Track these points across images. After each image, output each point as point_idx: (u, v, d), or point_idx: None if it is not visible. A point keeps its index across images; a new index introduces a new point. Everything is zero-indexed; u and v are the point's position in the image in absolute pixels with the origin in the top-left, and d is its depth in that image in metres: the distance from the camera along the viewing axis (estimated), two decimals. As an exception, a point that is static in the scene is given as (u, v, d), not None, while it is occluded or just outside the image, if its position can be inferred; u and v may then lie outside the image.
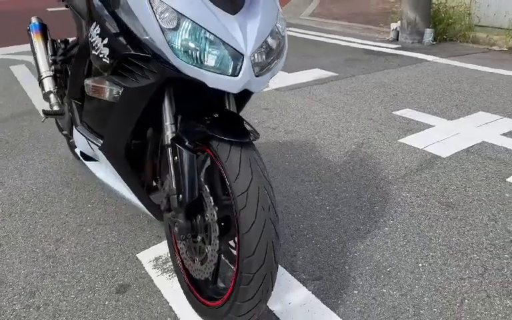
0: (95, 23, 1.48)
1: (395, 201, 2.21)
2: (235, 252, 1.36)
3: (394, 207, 2.15)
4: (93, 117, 1.70)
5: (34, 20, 2.48)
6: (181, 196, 1.40)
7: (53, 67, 2.34)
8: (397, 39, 6.26)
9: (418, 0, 5.93)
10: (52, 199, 2.36)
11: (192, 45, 1.25)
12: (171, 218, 1.51)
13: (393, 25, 6.45)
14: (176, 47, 1.24)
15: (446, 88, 3.95)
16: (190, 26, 1.24)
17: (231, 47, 1.26)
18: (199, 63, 1.26)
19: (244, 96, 1.56)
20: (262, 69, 1.34)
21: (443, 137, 2.88)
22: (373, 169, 2.52)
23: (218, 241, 1.39)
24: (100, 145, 1.69)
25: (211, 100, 1.57)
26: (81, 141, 1.85)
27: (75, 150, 2.00)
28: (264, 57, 1.34)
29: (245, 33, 1.29)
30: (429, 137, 2.90)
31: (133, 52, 1.33)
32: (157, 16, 1.24)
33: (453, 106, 3.47)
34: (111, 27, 1.40)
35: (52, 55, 2.37)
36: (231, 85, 1.29)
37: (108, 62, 1.40)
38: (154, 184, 1.78)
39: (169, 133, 1.44)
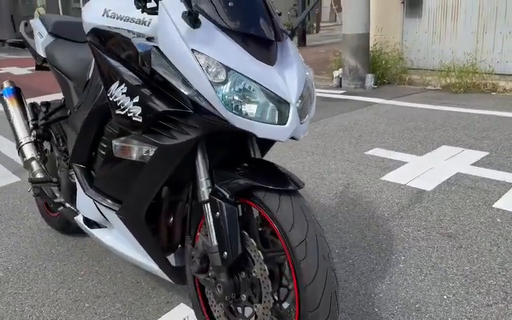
0: (117, 82, 1.40)
1: (398, 237, 2.25)
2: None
3: (400, 243, 2.18)
4: (111, 181, 1.59)
5: (6, 84, 2.30)
6: (225, 253, 1.32)
7: (34, 132, 2.17)
8: (340, 85, 6.60)
9: (357, 48, 6.33)
10: (34, 275, 2.12)
11: (241, 96, 1.23)
12: (208, 279, 1.41)
13: (336, 73, 6.81)
14: (226, 100, 1.21)
15: (403, 126, 4.18)
16: (238, 78, 1.22)
17: (278, 96, 1.26)
18: (249, 114, 1.23)
19: (266, 143, 1.54)
20: (303, 115, 1.34)
21: (420, 171, 3.02)
22: (367, 208, 2.56)
23: (271, 298, 1.31)
24: (117, 209, 1.57)
25: (234, 148, 1.54)
26: (88, 207, 1.70)
27: (76, 218, 1.83)
28: (303, 103, 1.34)
29: (287, 82, 1.29)
30: (407, 173, 3.02)
31: (171, 108, 1.27)
32: (205, 70, 1.21)
33: (416, 142, 3.67)
34: (143, 85, 1.34)
35: (33, 119, 2.19)
36: (279, 133, 1.27)
37: (140, 121, 1.32)
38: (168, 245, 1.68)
39: (204, 189, 1.37)
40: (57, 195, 2.11)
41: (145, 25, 1.47)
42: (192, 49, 1.22)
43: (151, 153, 1.38)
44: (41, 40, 2.13)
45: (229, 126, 1.24)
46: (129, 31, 1.47)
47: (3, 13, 20.84)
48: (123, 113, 1.37)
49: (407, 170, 3.08)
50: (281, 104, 1.26)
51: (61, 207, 2.05)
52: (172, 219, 1.65)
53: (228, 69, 1.22)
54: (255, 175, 1.33)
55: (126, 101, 1.36)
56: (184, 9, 1.25)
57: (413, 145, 3.62)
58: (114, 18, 1.53)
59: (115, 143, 1.42)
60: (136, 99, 1.34)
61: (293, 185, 1.30)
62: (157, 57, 1.30)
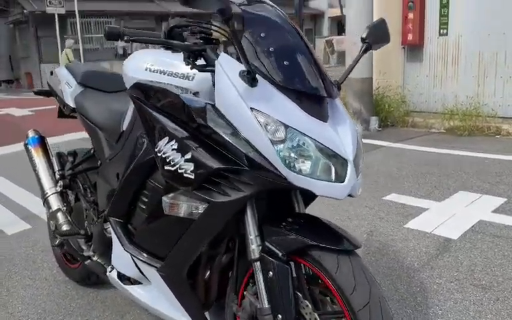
0: (166, 138, 1.38)
1: (432, 289, 2.19)
2: None
3: (435, 296, 2.13)
4: (153, 237, 1.54)
5: (31, 133, 2.27)
6: (279, 316, 1.28)
7: (60, 183, 2.12)
8: (345, 128, 6.63)
9: (361, 91, 6.42)
10: (55, 332, 2.03)
11: (300, 154, 1.21)
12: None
13: (339, 115, 6.86)
14: (285, 158, 1.20)
15: (415, 171, 4.18)
16: (297, 136, 1.22)
17: (336, 153, 1.24)
18: (307, 172, 1.21)
19: (309, 196, 1.52)
20: (358, 171, 1.32)
21: (442, 219, 2.99)
22: (395, 257, 2.52)
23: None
24: (158, 266, 1.51)
25: (279, 202, 1.51)
26: (125, 263, 1.64)
27: (109, 273, 1.76)
28: (357, 158, 1.32)
29: (342, 139, 1.28)
30: (430, 220, 2.99)
31: (226, 165, 1.25)
32: (264, 128, 1.19)
33: (433, 188, 3.66)
34: (195, 141, 1.32)
35: (60, 170, 2.15)
36: (338, 191, 1.25)
37: (192, 177, 1.29)
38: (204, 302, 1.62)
39: (254, 246, 1.33)
40: (84, 247, 2.04)
41: (189, 79, 1.47)
42: (251, 108, 1.21)
43: (201, 210, 1.35)
44: (70, 90, 2.12)
45: (286, 184, 1.22)
46: (172, 86, 1.47)
47: (1, 53, 21.06)
48: (173, 169, 1.34)
49: (429, 217, 3.05)
50: (339, 161, 1.25)
51: (88, 261, 1.98)
52: (209, 273, 1.60)
53: (286, 126, 1.21)
54: (308, 232, 1.30)
55: (177, 157, 1.34)
56: (240, 67, 1.25)
57: (430, 190, 3.60)
58: (157, 73, 1.52)
59: (164, 199, 1.38)
60: (188, 156, 1.31)
61: (350, 244, 1.27)
62: (213, 114, 1.29)
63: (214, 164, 1.26)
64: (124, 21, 20.14)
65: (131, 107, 1.77)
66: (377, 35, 1.57)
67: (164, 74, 1.51)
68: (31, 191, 3.85)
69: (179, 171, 1.33)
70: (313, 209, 1.50)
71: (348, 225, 2.96)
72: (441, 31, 6.57)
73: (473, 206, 3.21)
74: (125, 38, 1.30)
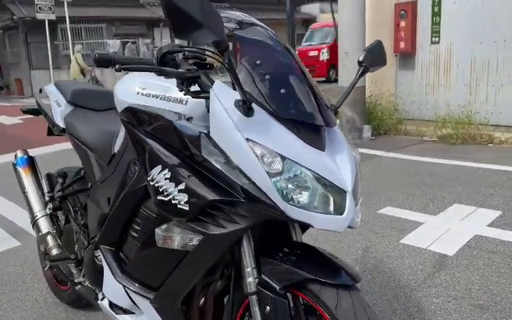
0: (159, 166, 1.34)
1: (429, 309, 2.16)
2: None
3: (433, 317, 2.10)
4: (146, 267, 1.49)
5: (20, 154, 2.20)
6: (277, 352, 1.23)
7: (50, 205, 2.06)
8: (338, 136, 6.62)
9: (354, 100, 6.40)
10: (46, 358, 1.97)
11: (298, 186, 1.18)
12: None
13: (332, 123, 6.85)
14: (282, 190, 1.16)
15: (409, 182, 4.16)
16: (294, 168, 1.18)
17: (335, 184, 1.21)
18: (305, 204, 1.18)
19: (305, 226, 1.48)
20: (357, 201, 1.29)
21: (438, 233, 2.97)
22: (391, 275, 2.48)
23: None
24: (152, 297, 1.47)
25: (275, 231, 1.47)
26: (117, 293, 1.59)
27: (100, 302, 1.71)
28: (355, 187, 1.29)
29: (340, 169, 1.25)
30: (425, 235, 2.96)
31: (221, 197, 1.21)
32: (261, 160, 1.16)
33: (427, 200, 3.64)
34: (189, 171, 1.28)
35: (49, 191, 2.09)
36: (338, 224, 1.21)
37: (186, 209, 1.25)
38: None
39: (251, 280, 1.29)
40: (74, 271, 1.99)
41: (182, 104, 1.43)
42: (247, 139, 1.17)
43: (195, 242, 1.31)
44: (59, 109, 2.06)
45: (283, 217, 1.18)
46: (165, 110, 1.43)
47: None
48: (166, 199, 1.30)
49: (424, 232, 3.03)
50: (337, 192, 1.21)
51: (79, 286, 1.93)
52: (204, 300, 1.56)
53: (283, 158, 1.18)
54: (306, 264, 1.26)
55: (170, 187, 1.30)
56: (235, 96, 1.21)
57: (425, 203, 3.59)
58: (149, 97, 1.48)
59: (158, 231, 1.34)
60: (182, 186, 1.27)
61: (350, 278, 1.24)
62: (207, 143, 1.25)
63: (209, 195, 1.23)
64: (115, 26, 20.06)
65: (122, 128, 1.72)
66: (373, 58, 1.55)
67: (156, 98, 1.47)
68: (20, 204, 3.76)
69: (173, 201, 1.29)
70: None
71: (343, 240, 2.93)
72: (433, 38, 6.59)
73: (468, 220, 3.19)
74: (116, 66, 1.25)
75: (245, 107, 1.17)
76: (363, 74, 1.54)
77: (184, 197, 1.26)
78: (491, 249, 2.73)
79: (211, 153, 1.24)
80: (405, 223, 3.17)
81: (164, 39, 19.93)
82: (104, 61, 1.29)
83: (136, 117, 1.49)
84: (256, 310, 1.28)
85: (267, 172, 1.16)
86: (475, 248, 2.75)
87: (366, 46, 1.58)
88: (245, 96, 1.16)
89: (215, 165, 1.23)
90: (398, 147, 5.71)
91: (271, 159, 1.17)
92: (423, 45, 6.70)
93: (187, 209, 1.25)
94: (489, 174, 4.28)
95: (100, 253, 1.66)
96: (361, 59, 1.54)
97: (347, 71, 6.40)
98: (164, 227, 1.34)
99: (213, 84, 1.28)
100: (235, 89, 1.24)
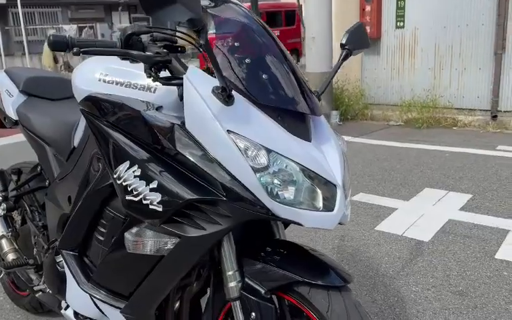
0: (127, 163, 1.20)
1: (409, 298, 2.12)
2: None
3: (413, 306, 2.06)
4: (115, 274, 1.35)
5: None
6: (265, 361, 1.13)
7: (4, 205, 1.87)
8: (305, 122, 6.57)
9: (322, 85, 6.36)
10: None
11: (285, 182, 1.07)
12: None
13: (300, 109, 6.79)
14: (268, 187, 1.05)
15: (380, 167, 4.15)
16: (281, 162, 1.07)
17: (325, 179, 1.10)
18: (293, 201, 1.07)
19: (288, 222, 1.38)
20: (347, 195, 1.19)
21: (412, 219, 2.94)
22: (369, 264, 2.43)
23: None
24: (122, 307, 1.33)
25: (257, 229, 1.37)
26: (82, 303, 1.44)
27: (64, 312, 1.55)
28: (345, 181, 1.19)
29: (329, 161, 1.15)
30: (400, 221, 2.93)
31: (199, 196, 1.08)
32: (244, 154, 1.04)
33: (399, 185, 3.63)
34: (162, 167, 1.14)
35: (2, 191, 1.89)
36: (328, 221, 1.11)
37: (160, 210, 1.12)
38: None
39: (233, 284, 1.18)
40: (33, 277, 1.81)
41: (150, 91, 1.29)
42: (228, 130, 1.05)
43: (170, 245, 1.18)
44: (11, 99, 1.86)
45: (270, 215, 1.07)
46: (131, 99, 1.28)
47: None
48: (136, 199, 1.16)
49: (398, 218, 3.00)
50: (327, 187, 1.11)
51: (40, 293, 1.75)
52: (179, 304, 1.44)
53: (269, 151, 1.06)
54: (293, 265, 1.16)
55: (140, 186, 1.16)
56: (212, 82, 1.08)
57: (396, 188, 3.57)
58: (113, 84, 1.33)
59: (127, 236, 1.20)
60: (153, 184, 1.14)
61: (340, 279, 1.15)
62: (182, 136, 1.12)
63: (185, 194, 1.10)
64: (70, 11, 19.23)
65: (82, 120, 1.56)
66: (356, 40, 1.46)
67: (121, 85, 1.32)
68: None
69: (144, 201, 1.15)
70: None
71: (318, 230, 2.86)
72: (398, 23, 6.60)
73: (441, 204, 3.20)
74: (74, 50, 1.09)
75: (225, 95, 1.04)
76: (346, 57, 1.44)
77: (157, 197, 1.13)
78: (465, 233, 2.72)
79: (187, 147, 1.11)
80: (379, 209, 3.14)
81: (123, 23, 19.30)
82: (60, 44, 1.13)
83: (98, 107, 1.33)
84: (240, 317, 1.17)
85: (251, 167, 1.04)
86: (450, 233, 2.74)
87: (347, 29, 1.47)
88: (225, 82, 1.04)
89: (191, 159, 1.10)
90: (366, 132, 5.71)
91: (255, 152, 1.06)
92: (388, 29, 6.70)
93: (160, 209, 1.12)
94: (456, 157, 4.33)
95: (62, 259, 1.50)
96: (343, 41, 1.44)
97: (314, 56, 6.34)
98: (134, 230, 1.20)
99: (186, 69, 1.15)
100: (211, 75, 1.11)
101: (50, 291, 1.66)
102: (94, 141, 1.42)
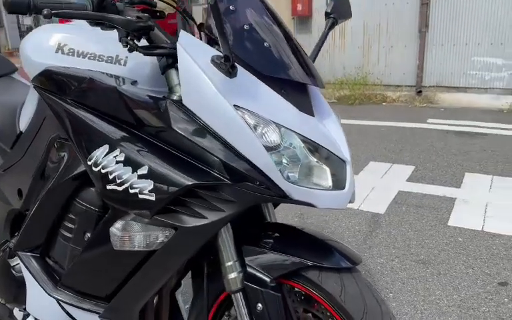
0: (106, 147, 1.03)
1: (376, 270, 2.14)
2: None
3: (382, 278, 2.08)
4: (93, 276, 1.17)
5: None
6: (274, 356, 1.05)
7: None
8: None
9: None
10: None
11: (296, 161, 0.97)
12: None
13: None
14: (281, 167, 0.94)
15: (323, 143, 4.19)
16: (293, 140, 0.97)
17: (336, 155, 1.02)
18: (309, 181, 0.98)
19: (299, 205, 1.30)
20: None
21: (364, 193, 2.99)
22: (332, 241, 2.43)
23: None
24: (101, 312, 1.16)
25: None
26: (48, 311, 1.24)
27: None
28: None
29: (335, 136, 1.07)
30: (353, 195, 2.97)
31: (202, 181, 0.96)
32: (254, 131, 0.93)
33: (345, 160, 3.68)
34: (152, 150, 1.00)
35: None
36: (340, 200, 1.03)
37: (152, 199, 0.97)
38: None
39: (235, 275, 1.07)
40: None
41: (119, 64, 1.14)
42: (235, 105, 0.93)
43: (163, 239, 1.04)
44: None
45: (282, 199, 0.98)
46: (97, 73, 1.12)
47: None
48: (120, 188, 1.00)
49: (351, 192, 3.03)
50: (338, 164, 1.03)
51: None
52: (158, 298, 1.31)
53: (279, 127, 0.96)
54: (297, 249, 1.08)
55: (125, 173, 1.00)
56: (210, 52, 0.96)
57: (343, 163, 3.61)
58: (74, 55, 1.15)
59: (114, 231, 1.03)
60: (143, 170, 0.99)
61: (350, 260, 1.08)
62: (176, 114, 0.98)
63: (183, 179, 0.96)
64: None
65: (31, 99, 1.35)
66: (340, 9, 1.38)
67: (84, 57, 1.14)
68: None
69: (131, 190, 0.99)
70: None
71: (279, 211, 2.80)
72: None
73: (388, 177, 3.29)
74: (45, 11, 0.88)
75: (228, 65, 0.91)
76: (332, 26, 1.36)
77: (148, 184, 0.98)
78: (417, 203, 2.82)
79: (183, 125, 0.97)
80: (332, 185, 3.15)
81: None
82: (19, 6, 0.92)
83: (58, 84, 1.14)
84: (243, 311, 1.07)
85: (264, 146, 0.93)
86: (403, 204, 2.82)
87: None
88: (229, 50, 0.90)
89: (189, 139, 0.97)
90: (302, 110, 5.75)
91: (265, 129, 0.95)
92: (319, 8, 6.78)
93: (153, 198, 0.98)
94: (392, 131, 4.50)
95: (18, 262, 1.29)
96: (329, 10, 1.35)
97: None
98: (119, 224, 1.04)
99: (167, 37, 1.01)
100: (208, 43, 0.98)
101: (1, 300, 1.43)
102: (50, 125, 1.22)
